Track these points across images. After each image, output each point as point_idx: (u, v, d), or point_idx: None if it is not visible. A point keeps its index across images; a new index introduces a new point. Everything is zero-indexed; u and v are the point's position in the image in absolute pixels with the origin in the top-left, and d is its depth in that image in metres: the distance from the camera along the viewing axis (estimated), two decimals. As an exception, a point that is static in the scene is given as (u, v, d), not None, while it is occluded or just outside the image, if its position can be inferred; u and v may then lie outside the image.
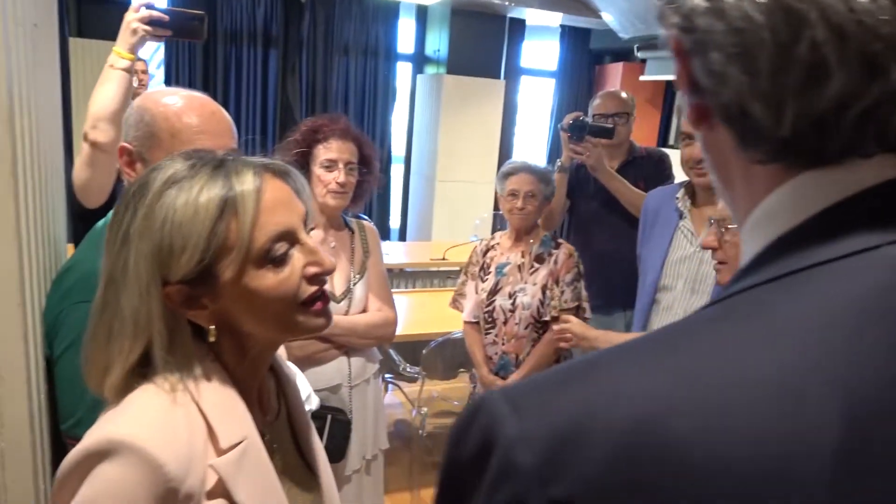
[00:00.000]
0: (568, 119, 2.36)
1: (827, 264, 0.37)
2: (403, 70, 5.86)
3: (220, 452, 0.70)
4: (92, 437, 0.66)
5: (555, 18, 5.69)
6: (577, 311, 2.22)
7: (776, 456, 0.32)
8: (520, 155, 6.41)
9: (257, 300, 0.73)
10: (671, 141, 6.04)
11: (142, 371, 0.71)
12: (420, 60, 5.88)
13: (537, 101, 6.42)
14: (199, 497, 0.68)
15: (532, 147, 6.50)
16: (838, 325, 0.34)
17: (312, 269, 0.76)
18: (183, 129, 1.08)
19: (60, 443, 1.15)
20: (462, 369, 3.16)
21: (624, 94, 2.57)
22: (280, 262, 0.74)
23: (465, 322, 2.31)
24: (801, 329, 0.35)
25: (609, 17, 5.34)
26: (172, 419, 0.68)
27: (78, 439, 1.04)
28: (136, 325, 0.70)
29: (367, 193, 1.87)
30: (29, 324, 1.03)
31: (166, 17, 1.50)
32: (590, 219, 2.52)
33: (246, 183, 0.71)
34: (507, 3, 5.15)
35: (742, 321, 0.37)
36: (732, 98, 0.39)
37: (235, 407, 0.74)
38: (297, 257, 0.75)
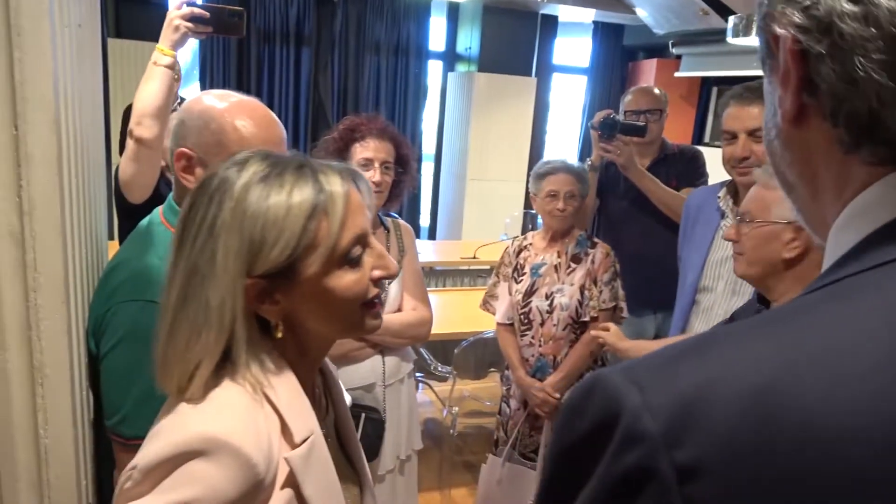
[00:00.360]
0: (598, 117, 2.32)
1: None
2: (434, 68, 5.85)
3: (293, 446, 0.72)
4: (184, 434, 0.68)
5: (588, 14, 5.62)
6: (615, 311, 2.19)
7: None
8: (551, 153, 6.35)
9: (331, 298, 0.76)
10: (706, 138, 5.93)
11: (220, 366, 0.73)
12: (451, 58, 5.87)
13: (569, 98, 6.36)
14: (272, 489, 0.70)
15: (563, 145, 6.44)
16: None
17: (378, 273, 0.79)
18: (251, 138, 1.10)
19: (101, 439, 1.16)
20: (493, 369, 3.15)
21: (657, 90, 2.52)
22: (356, 263, 0.77)
23: (499, 324, 2.28)
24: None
25: (643, 13, 5.26)
26: (256, 416, 0.70)
27: (123, 436, 1.06)
28: (222, 318, 0.72)
29: (403, 193, 1.87)
30: (73, 321, 1.04)
31: (207, 14, 1.51)
32: (620, 218, 2.48)
33: (335, 185, 0.75)
34: (539, 0, 5.10)
35: (855, 299, 0.38)
36: (865, 103, 0.40)
37: (303, 403, 0.76)
38: (367, 260, 0.79)
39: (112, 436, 1.07)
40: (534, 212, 6.16)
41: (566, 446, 0.42)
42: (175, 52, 1.49)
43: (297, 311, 0.77)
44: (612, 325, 1.86)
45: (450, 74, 5.82)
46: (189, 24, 1.49)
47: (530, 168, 6.51)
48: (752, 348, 0.38)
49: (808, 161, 0.46)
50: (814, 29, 0.41)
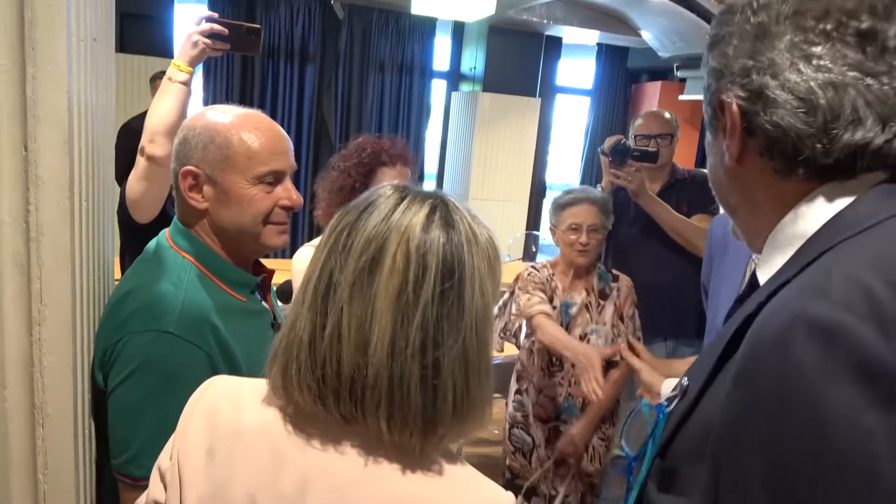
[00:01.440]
0: (609, 142, 2.26)
1: (878, 224, 0.59)
2: (438, 87, 5.83)
3: None
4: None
5: (592, 36, 5.62)
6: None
7: None
8: (554, 174, 6.32)
9: None
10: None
11: None
12: (455, 77, 5.85)
13: (572, 119, 6.34)
14: None
15: (566, 166, 6.41)
16: None
17: None
18: (260, 150, 1.06)
19: (104, 479, 1.08)
20: (497, 395, 3.06)
21: (667, 114, 2.47)
22: None
23: (542, 314, 2.00)
24: None
25: (648, 36, 5.27)
26: None
27: (131, 476, 0.97)
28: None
29: None
30: (79, 356, 0.96)
31: (226, 31, 1.46)
32: (630, 245, 2.41)
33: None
34: (545, 22, 5.09)
35: (864, 245, 0.58)
36: (789, 140, 0.62)
37: None
38: None
39: (118, 475, 0.99)
40: (536, 233, 6.13)
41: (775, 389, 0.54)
42: (193, 68, 1.44)
43: None
44: (643, 352, 1.78)
45: (454, 94, 5.80)
46: (208, 41, 1.44)
47: (533, 189, 6.45)
48: (856, 262, 0.56)
49: (748, 188, 0.68)
50: (751, 96, 0.64)
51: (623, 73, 6.13)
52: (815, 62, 0.61)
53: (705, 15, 4.44)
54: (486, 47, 5.41)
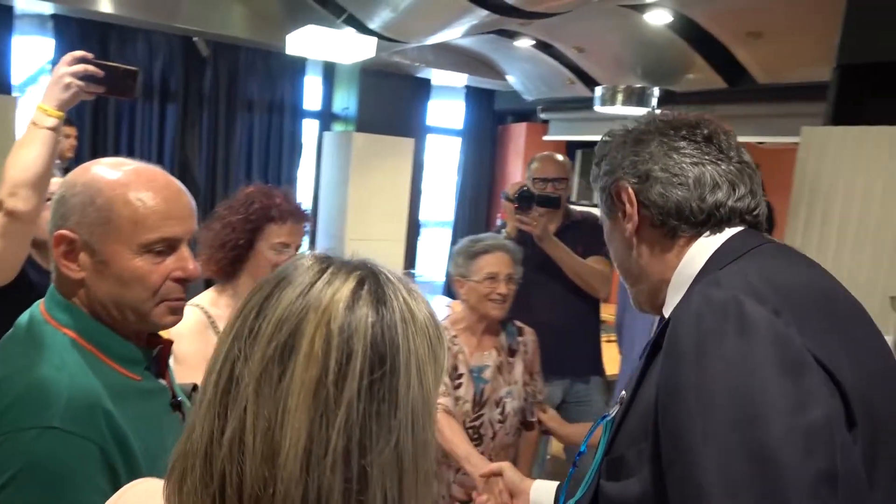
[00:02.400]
0: (514, 189, 2.34)
1: (745, 254, 0.85)
2: (309, 126, 5.74)
3: None
4: None
5: (460, 79, 5.82)
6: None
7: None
8: (429, 212, 6.41)
9: None
10: (573, 197, 6.26)
11: None
12: (327, 117, 5.79)
13: (444, 158, 6.49)
14: None
15: (440, 204, 6.52)
16: (774, 260, 0.86)
17: None
18: (149, 215, 0.92)
19: None
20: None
21: (561, 158, 2.59)
22: None
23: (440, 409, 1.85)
24: (766, 262, 0.85)
25: (513, 80, 5.55)
26: None
27: None
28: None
29: None
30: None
31: (101, 73, 1.34)
32: (529, 286, 2.48)
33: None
34: (416, 65, 5.21)
35: (737, 270, 0.83)
36: (674, 205, 0.89)
37: None
38: None
39: None
40: (413, 272, 6.13)
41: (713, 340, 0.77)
42: (63, 113, 1.30)
43: None
44: (549, 409, 1.81)
45: (326, 133, 5.74)
46: (81, 83, 1.31)
47: (410, 228, 6.48)
48: (741, 274, 0.81)
49: (647, 253, 0.92)
50: (640, 179, 0.91)
51: (490, 114, 6.38)
52: (681, 152, 0.89)
53: (566, 62, 4.76)
54: (359, 88, 5.43)
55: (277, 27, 4.69)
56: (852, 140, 2.01)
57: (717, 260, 0.84)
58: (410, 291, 0.60)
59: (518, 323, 2.08)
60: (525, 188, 2.33)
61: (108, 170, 0.94)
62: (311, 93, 5.69)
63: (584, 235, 2.41)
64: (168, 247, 0.95)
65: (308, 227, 1.72)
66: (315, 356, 0.53)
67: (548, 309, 2.37)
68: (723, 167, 0.87)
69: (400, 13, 3.87)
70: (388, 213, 5.56)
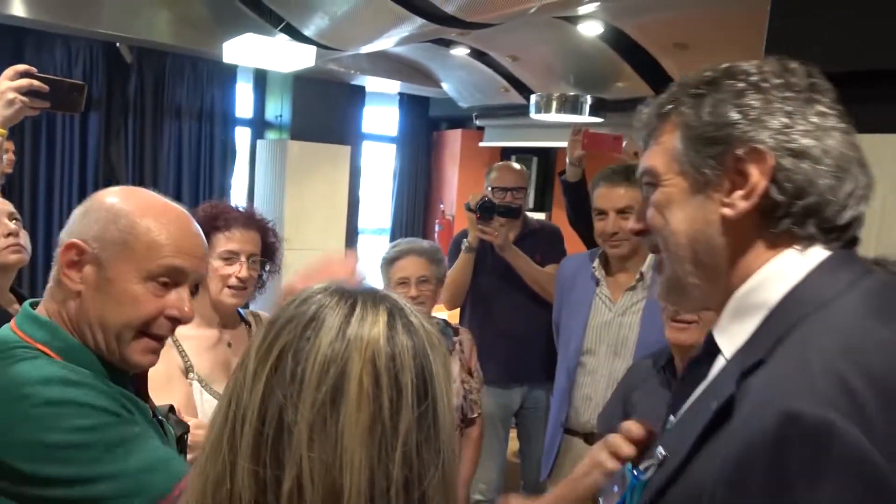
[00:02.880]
0: (475, 199, 2.37)
1: (837, 298, 0.64)
2: (242, 134, 5.60)
3: None
4: None
5: (394, 86, 5.82)
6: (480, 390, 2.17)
7: None
8: (367, 219, 6.38)
9: None
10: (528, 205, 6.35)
11: None
12: (260, 125, 5.67)
13: (380, 165, 6.48)
14: None
15: (377, 211, 6.50)
16: (871, 312, 0.63)
17: None
18: (164, 244, 0.94)
19: None
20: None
21: (519, 166, 2.65)
22: None
23: None
24: (861, 316, 0.63)
25: (448, 87, 5.60)
26: None
27: None
28: None
29: (266, 286, 1.70)
30: None
31: (46, 88, 1.28)
32: (490, 293, 2.53)
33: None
34: (351, 72, 5.18)
35: (835, 317, 0.63)
36: (814, 203, 0.66)
37: None
38: None
39: None
40: (354, 279, 6.10)
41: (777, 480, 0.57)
42: (6, 130, 1.24)
43: None
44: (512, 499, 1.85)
45: (259, 141, 5.62)
46: (25, 99, 1.25)
47: (348, 235, 6.43)
48: (828, 350, 0.60)
49: (734, 245, 0.69)
50: (795, 153, 0.66)
51: (425, 120, 6.41)
52: (836, 136, 0.66)
53: (500, 70, 4.85)
54: (292, 96, 5.34)
55: (207, 34, 4.56)
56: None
57: (798, 299, 0.65)
58: (421, 315, 0.62)
59: (454, 324, 2.17)
60: (486, 199, 2.37)
61: (138, 199, 0.98)
62: (243, 100, 5.56)
63: (541, 244, 2.47)
64: (173, 281, 0.96)
65: (274, 238, 1.69)
66: (366, 395, 0.53)
67: (508, 316, 2.42)
68: (855, 154, 0.67)
69: (336, 21, 3.85)
70: (326, 222, 5.49)
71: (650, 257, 1.98)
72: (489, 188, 2.57)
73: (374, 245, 6.48)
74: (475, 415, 2.06)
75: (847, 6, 2.03)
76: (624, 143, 2.52)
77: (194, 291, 1.00)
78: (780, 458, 0.55)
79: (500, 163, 2.68)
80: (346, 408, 0.53)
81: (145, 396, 1.04)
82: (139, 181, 5.00)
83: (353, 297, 0.59)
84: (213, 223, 1.58)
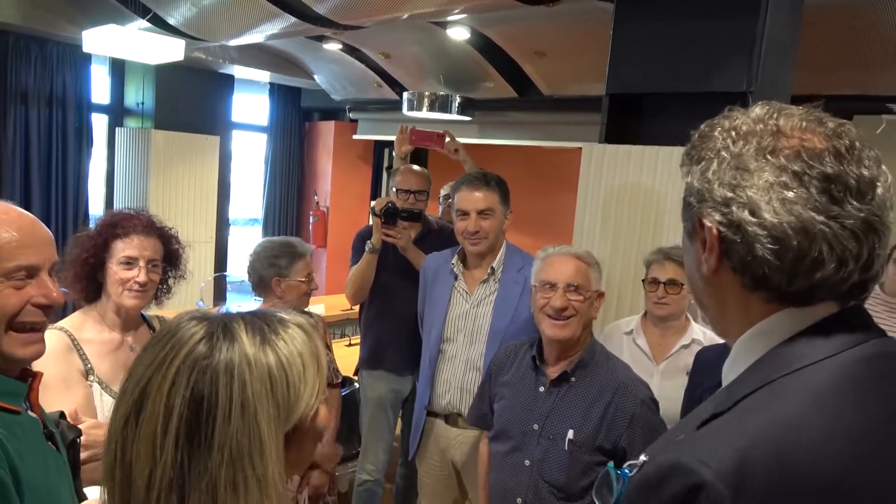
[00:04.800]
0: (380, 204, 2.48)
1: (814, 364, 0.67)
2: (99, 122, 5.28)
3: None
4: None
5: (264, 75, 5.73)
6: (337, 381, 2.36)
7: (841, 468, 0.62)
8: (238, 210, 6.24)
9: (320, 433, 0.80)
10: (382, 193, 6.50)
11: None
12: (118, 112, 5.37)
13: (251, 154, 6.35)
14: None
15: (249, 201, 6.38)
16: (834, 396, 0.65)
17: None
18: (3, 246, 0.97)
19: None
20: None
21: (420, 170, 2.77)
22: None
23: None
24: (821, 399, 0.65)
25: (321, 79, 5.61)
26: None
27: None
28: (278, 487, 0.71)
29: (171, 290, 1.76)
30: None
31: None
32: (391, 288, 2.66)
33: (311, 329, 0.80)
34: (220, 61, 5.05)
35: (788, 396, 0.66)
36: (761, 269, 0.68)
37: None
38: None
39: None
40: (226, 274, 5.97)
41: None
42: None
43: (296, 459, 0.78)
44: None
45: (119, 129, 5.32)
46: None
47: (219, 227, 6.26)
48: (759, 429, 0.63)
49: (721, 294, 0.75)
50: (730, 225, 0.69)
51: (297, 111, 6.35)
52: (787, 206, 0.66)
53: (373, 65, 4.95)
54: (155, 83, 5.12)
55: (59, 14, 4.27)
56: (622, 155, 2.46)
57: (775, 363, 0.69)
58: (264, 340, 0.75)
59: (307, 309, 2.35)
60: (391, 204, 2.50)
61: None
62: (99, 85, 5.24)
63: (440, 244, 2.61)
64: (28, 275, 1.00)
65: (177, 245, 1.74)
66: (155, 414, 0.70)
67: (406, 309, 2.56)
68: (837, 229, 0.66)
69: (203, 11, 3.77)
70: (195, 214, 5.34)
71: (501, 253, 2.22)
72: (393, 189, 2.71)
73: (247, 236, 6.37)
74: (338, 381, 2.34)
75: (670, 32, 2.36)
76: (446, 140, 2.87)
77: (54, 272, 1.06)
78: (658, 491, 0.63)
79: (404, 166, 2.80)
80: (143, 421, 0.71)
81: (35, 407, 1.07)
82: (-20, 171, 4.60)
83: (176, 328, 0.75)
84: (113, 230, 1.64)
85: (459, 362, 2.19)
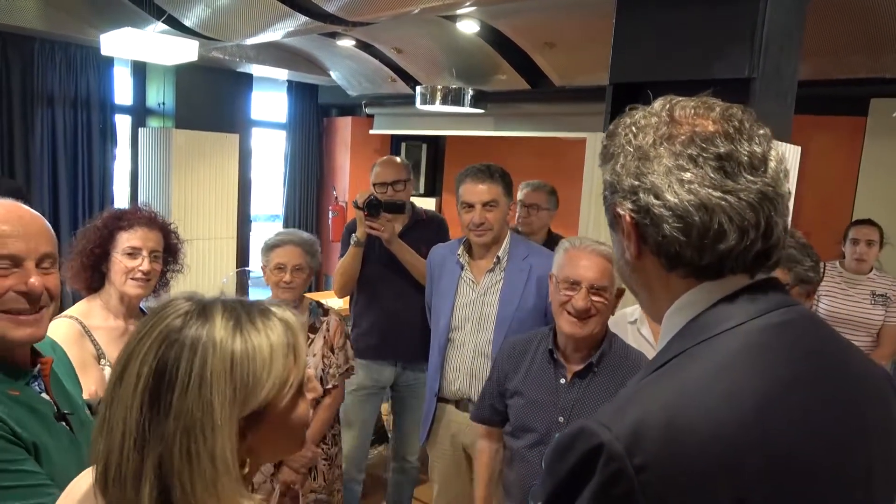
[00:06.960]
0: (363, 198, 2.53)
1: (724, 332, 0.72)
2: (122, 122, 5.41)
3: None
4: None
5: (281, 73, 5.81)
6: (347, 371, 2.39)
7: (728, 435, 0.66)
8: (259, 207, 6.34)
9: (292, 427, 0.84)
10: (420, 190, 6.50)
11: None
12: (141, 113, 5.50)
13: (271, 151, 6.45)
14: None
15: (269, 197, 6.48)
16: (738, 361, 0.70)
17: (311, 395, 0.89)
18: None
19: None
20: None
21: (398, 160, 2.80)
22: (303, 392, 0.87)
23: None
24: (724, 364, 0.70)
25: (336, 76, 5.67)
26: None
27: None
28: (231, 465, 0.75)
29: (170, 283, 1.85)
30: None
31: None
32: (376, 279, 2.71)
33: (293, 322, 0.84)
34: (237, 60, 5.14)
35: (699, 360, 0.71)
36: (672, 247, 0.74)
37: None
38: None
39: None
40: (248, 269, 6.08)
41: (563, 473, 0.68)
42: None
43: (259, 445, 0.81)
44: None
45: (142, 129, 5.45)
46: None
47: (240, 224, 6.38)
48: (660, 395, 0.69)
49: (646, 278, 0.81)
50: (640, 211, 0.75)
51: (315, 107, 6.43)
52: (686, 186, 0.72)
53: (386, 61, 4.99)
54: (175, 83, 5.23)
55: (80, 19, 4.39)
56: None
57: (693, 331, 0.74)
58: (237, 325, 0.79)
59: (326, 305, 2.38)
60: (373, 197, 2.53)
61: None
62: (122, 87, 5.37)
63: (428, 236, 2.65)
64: (12, 264, 1.07)
65: (176, 240, 1.82)
66: (130, 379, 0.77)
67: (392, 301, 2.60)
68: (735, 203, 0.71)
69: (218, 12, 3.84)
70: (216, 211, 5.45)
71: (505, 243, 2.25)
72: (373, 185, 2.74)
73: (268, 232, 6.46)
74: (329, 386, 2.30)
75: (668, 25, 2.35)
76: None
77: (50, 266, 1.12)
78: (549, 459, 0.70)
79: (381, 158, 2.82)
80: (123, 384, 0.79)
81: (49, 392, 1.14)
82: (9, 171, 4.76)
83: (164, 309, 0.81)
84: (118, 222, 1.75)
85: (468, 349, 2.24)
